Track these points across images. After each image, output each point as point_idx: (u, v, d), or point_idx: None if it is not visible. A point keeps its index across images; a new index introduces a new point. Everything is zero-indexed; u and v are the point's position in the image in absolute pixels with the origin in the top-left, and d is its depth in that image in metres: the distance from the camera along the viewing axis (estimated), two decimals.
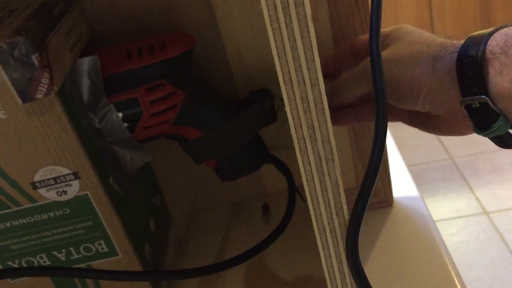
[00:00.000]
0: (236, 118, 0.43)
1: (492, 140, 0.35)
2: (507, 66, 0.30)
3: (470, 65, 0.32)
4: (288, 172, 0.49)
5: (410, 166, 1.75)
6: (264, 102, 0.43)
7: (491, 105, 0.32)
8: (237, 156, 0.45)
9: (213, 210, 0.59)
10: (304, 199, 0.50)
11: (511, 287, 1.33)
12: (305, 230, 0.52)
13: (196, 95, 0.43)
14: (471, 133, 0.38)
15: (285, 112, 0.45)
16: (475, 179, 1.70)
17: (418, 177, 1.75)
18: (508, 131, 0.34)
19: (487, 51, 0.31)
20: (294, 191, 0.48)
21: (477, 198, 1.62)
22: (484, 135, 0.34)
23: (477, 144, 1.85)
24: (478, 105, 0.32)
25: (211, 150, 0.44)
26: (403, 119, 0.43)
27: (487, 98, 0.31)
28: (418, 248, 0.49)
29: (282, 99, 0.45)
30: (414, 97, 0.35)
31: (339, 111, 0.44)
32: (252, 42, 0.47)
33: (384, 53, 0.37)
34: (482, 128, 0.33)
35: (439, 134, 0.40)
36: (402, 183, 0.58)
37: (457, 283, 0.45)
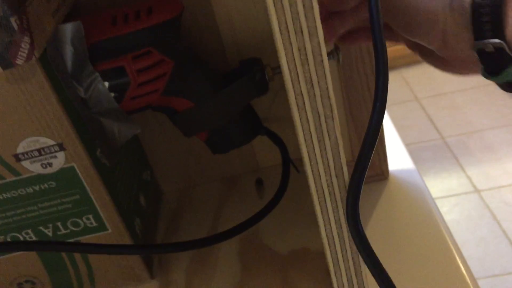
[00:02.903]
0: (227, 88, 0.42)
1: (500, 86, 0.34)
2: None
3: (487, 8, 0.30)
4: (281, 144, 0.48)
5: None
6: (255, 72, 0.42)
7: (507, 50, 0.30)
8: (228, 128, 0.44)
9: (205, 185, 0.58)
10: (299, 170, 0.49)
11: (502, 264, 1.34)
12: (300, 203, 0.51)
13: (185, 64, 0.41)
14: (471, 74, 0.36)
15: (277, 82, 0.44)
16: (466, 158, 1.71)
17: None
18: None
19: None
20: (289, 163, 0.47)
21: (468, 177, 1.63)
22: (493, 80, 0.33)
23: (468, 123, 1.85)
24: (493, 50, 0.30)
25: (201, 122, 0.43)
26: (406, 43, 0.41)
27: (503, 43, 0.30)
28: (415, 221, 0.48)
29: (273, 68, 0.43)
30: (428, 29, 0.34)
31: (350, 34, 0.43)
32: (243, 9, 0.46)
33: None
34: (492, 73, 0.32)
35: (437, 68, 0.38)
36: (397, 157, 0.57)
37: (455, 253, 0.44)
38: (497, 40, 0.30)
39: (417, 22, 0.34)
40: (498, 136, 1.76)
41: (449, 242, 0.46)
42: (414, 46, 0.40)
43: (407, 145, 1.79)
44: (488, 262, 1.35)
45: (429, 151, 1.78)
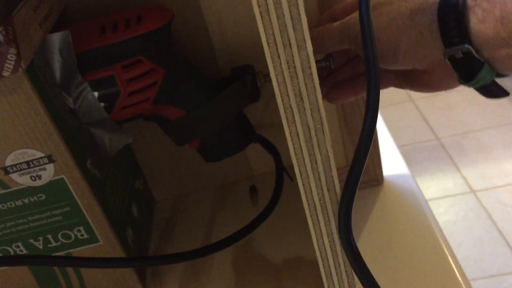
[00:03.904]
0: (218, 96, 0.41)
1: (478, 91, 0.34)
2: (490, 13, 0.29)
3: (452, 14, 0.30)
4: (275, 152, 0.48)
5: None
6: (246, 78, 0.42)
7: (475, 54, 0.31)
8: (221, 136, 0.43)
9: (198, 193, 0.58)
10: (292, 178, 0.49)
11: (499, 264, 1.34)
12: (294, 211, 0.51)
13: (176, 72, 0.41)
14: (458, 86, 0.37)
15: (269, 89, 0.44)
16: (461, 159, 1.71)
17: (405, 158, 1.75)
18: (493, 80, 0.33)
19: None
20: (282, 171, 0.47)
21: (463, 177, 1.63)
22: (469, 86, 0.33)
23: (463, 123, 1.85)
24: (462, 55, 0.31)
25: (193, 131, 0.42)
26: (392, 83, 0.42)
27: (470, 47, 0.30)
28: (410, 226, 0.48)
29: (265, 75, 0.43)
30: (393, 55, 0.34)
31: (335, 89, 0.43)
32: (234, 16, 0.45)
33: None
34: (467, 78, 0.33)
35: (428, 91, 0.39)
36: (392, 161, 0.57)
37: (450, 259, 0.44)
38: (464, 45, 0.30)
39: (381, 53, 0.35)
40: (493, 136, 1.76)
41: (444, 247, 0.45)
42: (402, 82, 0.41)
43: (402, 146, 1.80)
44: (484, 263, 1.35)
45: (424, 152, 1.78)
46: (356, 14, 0.37)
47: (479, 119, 1.85)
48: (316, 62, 0.40)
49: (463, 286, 0.42)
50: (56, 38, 0.36)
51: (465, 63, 0.31)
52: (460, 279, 0.42)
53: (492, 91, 0.34)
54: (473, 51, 0.31)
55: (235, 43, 0.47)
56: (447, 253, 0.45)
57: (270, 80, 0.42)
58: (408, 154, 1.78)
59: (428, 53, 0.33)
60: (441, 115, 1.92)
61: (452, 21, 0.31)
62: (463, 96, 1.97)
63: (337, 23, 0.38)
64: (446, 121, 1.88)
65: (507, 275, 1.31)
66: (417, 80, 0.38)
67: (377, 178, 0.53)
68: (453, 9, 0.31)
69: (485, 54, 0.31)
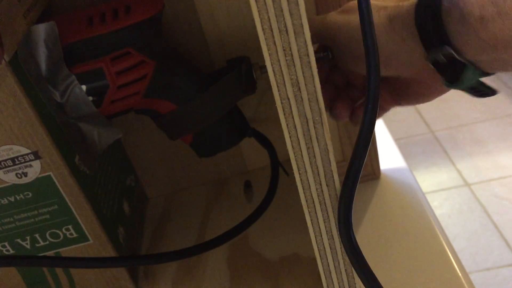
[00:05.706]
0: (211, 88, 0.40)
1: (466, 92, 0.34)
2: (468, 13, 0.28)
3: (429, 17, 0.30)
4: (270, 146, 0.46)
5: None
6: (241, 69, 0.40)
7: (456, 56, 0.30)
8: (214, 130, 0.42)
9: (192, 189, 0.57)
10: (288, 173, 0.47)
11: (494, 257, 1.34)
12: (290, 207, 0.50)
13: (167, 65, 0.39)
14: (449, 91, 0.36)
15: (264, 81, 0.42)
16: (455, 152, 1.70)
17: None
18: (479, 81, 0.32)
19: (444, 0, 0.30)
20: (277, 166, 0.45)
21: (458, 171, 1.63)
22: (456, 88, 0.33)
23: (457, 117, 1.85)
24: (444, 59, 0.30)
25: (186, 124, 0.41)
26: (385, 101, 0.41)
27: (450, 49, 0.30)
28: (408, 219, 0.47)
29: (261, 67, 0.42)
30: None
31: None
32: (227, 5, 0.44)
33: (339, 18, 0.36)
34: (451, 81, 0.32)
35: (422, 101, 0.39)
36: (388, 155, 0.56)
37: (448, 251, 0.43)
38: (444, 47, 0.30)
39: (361, 58, 0.34)
40: (487, 129, 1.76)
41: (442, 240, 0.44)
42: (394, 98, 0.40)
43: (396, 140, 1.79)
44: (479, 256, 1.35)
45: (418, 145, 1.78)
46: (334, 13, 0.37)
47: (473, 112, 1.85)
48: None
49: (462, 278, 0.41)
50: (41, 29, 0.35)
51: (448, 65, 0.31)
52: (458, 271, 0.41)
53: (480, 91, 0.33)
54: (454, 53, 0.30)
55: (228, 35, 0.46)
56: (445, 246, 0.44)
57: (266, 72, 0.41)
58: (402, 148, 1.77)
59: (412, 59, 0.33)
60: (435, 109, 1.92)
61: (430, 23, 0.30)
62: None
63: (319, 16, 0.38)
64: (440, 115, 1.88)
65: (502, 268, 1.31)
66: (407, 91, 0.38)
67: (374, 172, 0.52)
68: (430, 11, 0.30)
69: (468, 57, 0.30)
